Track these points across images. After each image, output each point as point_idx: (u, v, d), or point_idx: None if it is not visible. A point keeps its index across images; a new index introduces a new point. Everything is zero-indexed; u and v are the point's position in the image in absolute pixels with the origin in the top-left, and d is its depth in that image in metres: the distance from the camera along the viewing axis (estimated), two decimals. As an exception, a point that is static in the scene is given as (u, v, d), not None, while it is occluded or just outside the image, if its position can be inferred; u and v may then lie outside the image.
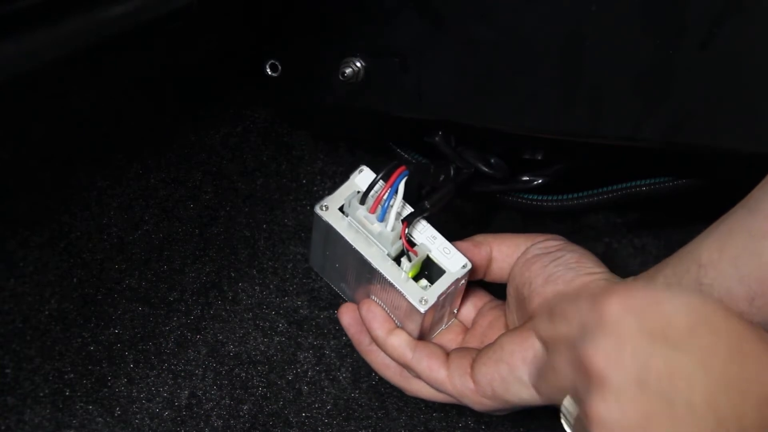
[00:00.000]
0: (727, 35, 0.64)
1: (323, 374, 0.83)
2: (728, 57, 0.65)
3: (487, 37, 0.69)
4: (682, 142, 0.67)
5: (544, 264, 0.65)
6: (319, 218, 0.66)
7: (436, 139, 0.73)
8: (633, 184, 0.75)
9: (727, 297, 0.56)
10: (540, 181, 0.77)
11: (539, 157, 0.76)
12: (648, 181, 0.74)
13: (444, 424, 0.82)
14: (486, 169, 0.74)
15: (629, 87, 0.67)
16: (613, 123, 0.68)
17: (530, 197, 0.79)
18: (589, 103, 0.68)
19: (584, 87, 0.68)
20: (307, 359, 0.83)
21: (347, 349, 0.84)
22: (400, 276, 0.65)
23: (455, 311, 0.71)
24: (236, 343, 0.83)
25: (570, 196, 0.78)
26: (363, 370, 0.83)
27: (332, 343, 0.84)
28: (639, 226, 0.92)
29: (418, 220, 0.67)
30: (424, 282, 0.66)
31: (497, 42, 0.69)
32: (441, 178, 0.71)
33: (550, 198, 0.79)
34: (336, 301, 0.73)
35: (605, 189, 0.77)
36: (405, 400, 0.82)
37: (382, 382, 0.80)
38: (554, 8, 0.68)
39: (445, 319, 0.70)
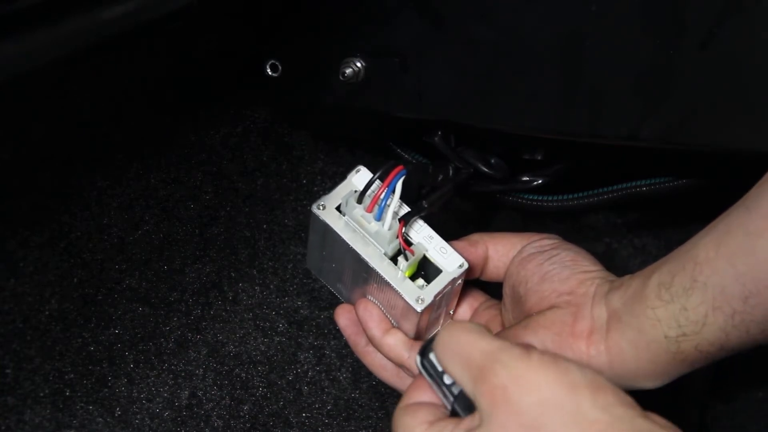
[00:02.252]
0: (727, 35, 0.64)
1: (323, 374, 0.83)
2: (728, 57, 0.64)
3: (486, 37, 0.69)
4: (682, 142, 0.67)
5: (539, 262, 0.65)
6: (316, 217, 0.66)
7: (436, 139, 0.73)
8: (633, 184, 0.75)
9: (721, 295, 0.56)
10: (540, 181, 0.77)
11: (539, 158, 0.75)
12: (648, 181, 0.74)
13: (444, 424, 0.82)
14: (486, 170, 0.74)
15: (629, 87, 0.67)
16: (613, 123, 0.68)
17: (530, 197, 0.79)
18: (589, 104, 0.68)
19: (584, 87, 0.68)
20: (308, 359, 0.83)
21: (347, 349, 0.84)
22: (396, 275, 0.65)
23: (451, 312, 0.71)
24: (236, 344, 0.83)
25: (570, 196, 0.78)
26: (363, 370, 0.83)
27: (332, 343, 0.84)
28: (639, 226, 0.92)
29: (415, 220, 0.67)
30: (420, 281, 0.66)
31: (497, 42, 0.69)
32: (440, 178, 0.71)
33: (550, 198, 0.78)
34: (336, 301, 0.73)
35: (605, 189, 0.76)
36: (405, 400, 0.82)
37: (383, 382, 0.80)
38: (554, 8, 0.68)
39: (441, 320, 0.70)
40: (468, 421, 0.52)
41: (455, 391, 0.55)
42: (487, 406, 0.50)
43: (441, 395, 0.56)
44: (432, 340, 0.56)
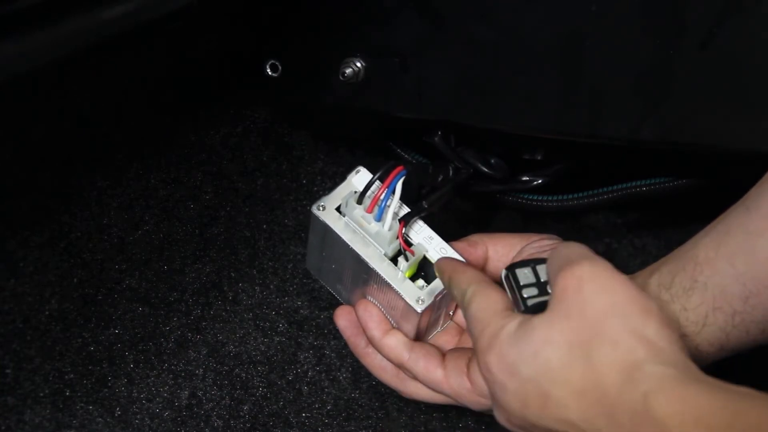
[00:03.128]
0: (727, 35, 0.64)
1: (323, 374, 0.83)
2: (728, 57, 0.65)
3: (487, 37, 0.69)
4: (682, 142, 0.67)
5: None
6: (316, 218, 0.66)
7: (435, 139, 0.73)
8: (633, 184, 0.75)
9: (722, 295, 0.56)
10: (540, 181, 0.77)
11: (539, 158, 0.76)
12: (648, 181, 0.74)
13: (444, 424, 0.82)
14: (486, 170, 0.74)
15: (629, 87, 0.67)
16: (613, 123, 0.68)
17: (530, 197, 0.79)
18: (589, 104, 0.68)
19: (584, 87, 0.68)
20: (308, 359, 0.83)
21: (347, 349, 0.83)
22: (396, 276, 0.65)
23: (451, 313, 0.71)
24: (236, 344, 0.83)
25: (570, 196, 0.78)
26: (363, 370, 0.83)
27: (332, 343, 0.84)
28: (639, 226, 0.92)
29: (415, 221, 0.67)
30: (420, 282, 0.66)
31: (497, 42, 0.69)
32: (440, 179, 0.71)
33: (550, 198, 0.79)
34: (336, 302, 0.73)
35: (605, 189, 0.77)
36: (405, 400, 0.82)
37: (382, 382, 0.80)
38: (554, 8, 0.68)
39: (441, 321, 0.70)
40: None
41: (529, 303, 0.56)
42: (558, 292, 0.51)
43: (514, 304, 0.57)
44: (524, 261, 0.59)
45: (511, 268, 0.59)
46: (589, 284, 0.50)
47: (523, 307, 0.56)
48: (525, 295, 0.57)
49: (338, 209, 0.67)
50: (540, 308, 0.54)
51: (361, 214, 0.66)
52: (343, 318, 0.70)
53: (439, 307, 0.67)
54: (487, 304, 0.57)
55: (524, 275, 0.58)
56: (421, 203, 0.67)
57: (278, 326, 0.84)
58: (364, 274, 0.66)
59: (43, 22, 0.50)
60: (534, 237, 0.68)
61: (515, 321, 0.53)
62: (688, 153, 0.69)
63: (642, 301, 0.50)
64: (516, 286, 0.58)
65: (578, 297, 0.50)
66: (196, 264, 0.85)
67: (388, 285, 0.65)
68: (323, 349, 0.84)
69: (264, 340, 0.84)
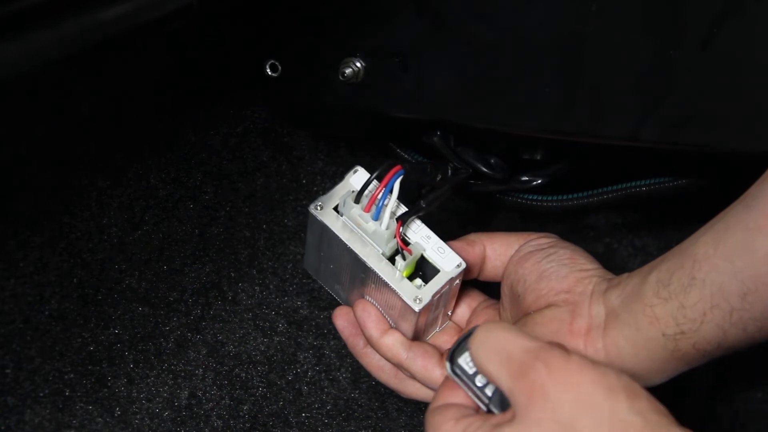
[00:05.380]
0: (727, 35, 0.64)
1: (323, 374, 0.83)
2: (728, 57, 0.65)
3: (486, 37, 0.69)
4: (682, 142, 0.67)
5: (537, 260, 0.65)
6: (314, 217, 0.66)
7: (435, 139, 0.73)
8: (633, 184, 0.75)
9: (720, 292, 0.56)
10: (539, 181, 0.77)
11: (539, 158, 0.76)
12: (648, 181, 0.74)
13: (444, 424, 0.82)
14: (485, 170, 0.74)
15: (629, 87, 0.67)
16: (613, 123, 0.68)
17: (530, 197, 0.79)
18: (589, 104, 0.68)
19: (584, 87, 0.68)
20: (307, 359, 0.83)
21: (347, 349, 0.83)
22: (394, 275, 0.65)
23: (449, 313, 0.71)
24: (236, 343, 0.83)
25: (570, 196, 0.78)
26: (363, 370, 0.83)
27: (332, 343, 0.84)
28: (639, 227, 0.92)
29: (413, 220, 0.66)
30: (418, 281, 0.66)
31: (497, 42, 0.69)
32: (438, 178, 0.71)
33: (550, 198, 0.78)
34: (336, 302, 0.73)
35: (605, 189, 0.77)
36: (405, 400, 0.82)
37: (382, 382, 0.80)
38: (554, 8, 0.68)
39: (440, 321, 0.70)
40: (499, 417, 0.52)
41: (489, 392, 0.54)
42: (523, 402, 0.50)
43: (475, 398, 0.55)
44: (458, 344, 0.56)
45: (452, 360, 0.56)
46: (552, 387, 0.49)
47: (486, 399, 0.54)
48: (480, 385, 0.55)
49: (336, 209, 0.67)
50: (503, 399, 0.53)
51: (359, 213, 0.66)
52: (341, 318, 0.70)
53: (437, 306, 0.67)
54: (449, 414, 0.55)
55: (469, 362, 0.55)
56: (419, 202, 0.67)
57: (278, 326, 0.84)
58: (361, 274, 0.66)
59: (43, 22, 0.50)
60: (532, 236, 0.68)
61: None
62: (688, 153, 0.69)
63: (603, 380, 0.49)
64: (467, 378, 0.55)
65: (545, 404, 0.49)
66: (196, 264, 0.86)
67: (386, 284, 0.65)
68: (323, 349, 0.84)
69: (264, 340, 0.84)
